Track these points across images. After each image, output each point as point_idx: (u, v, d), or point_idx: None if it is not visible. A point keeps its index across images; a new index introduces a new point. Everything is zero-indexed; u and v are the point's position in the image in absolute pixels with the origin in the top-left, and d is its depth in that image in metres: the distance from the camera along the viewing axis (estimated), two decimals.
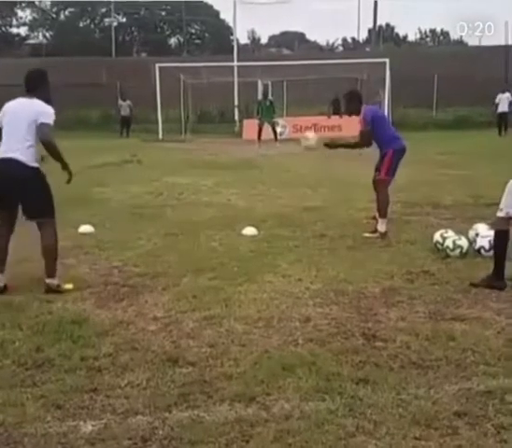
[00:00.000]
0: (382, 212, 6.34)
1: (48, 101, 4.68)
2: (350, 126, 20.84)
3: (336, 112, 21.84)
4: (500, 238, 4.66)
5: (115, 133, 22.78)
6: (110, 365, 3.36)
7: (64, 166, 4.76)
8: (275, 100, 21.59)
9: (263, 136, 20.14)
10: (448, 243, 5.44)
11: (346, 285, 4.72)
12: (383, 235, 6.23)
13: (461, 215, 7.43)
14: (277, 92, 25.00)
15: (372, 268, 5.14)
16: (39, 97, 4.64)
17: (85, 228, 6.72)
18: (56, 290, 4.65)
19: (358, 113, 6.43)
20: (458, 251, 5.39)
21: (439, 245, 5.55)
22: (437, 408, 2.84)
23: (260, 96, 22.47)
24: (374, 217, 6.78)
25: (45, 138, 4.52)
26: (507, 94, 21.83)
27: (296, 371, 3.22)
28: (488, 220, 6.36)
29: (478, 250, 5.42)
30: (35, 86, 4.69)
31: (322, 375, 3.17)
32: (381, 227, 6.29)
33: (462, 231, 5.78)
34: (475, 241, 5.53)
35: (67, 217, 6.81)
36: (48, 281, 4.69)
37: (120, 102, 23.56)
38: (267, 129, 20.69)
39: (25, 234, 4.90)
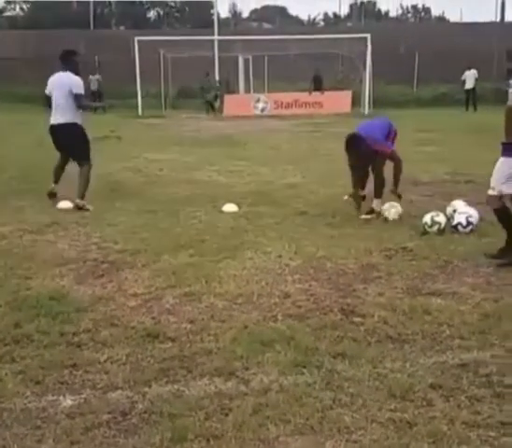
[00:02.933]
0: (379, 191, 6.25)
1: (77, 73, 6.70)
2: (331, 103, 20.89)
3: (317, 88, 21.74)
4: (501, 215, 4.70)
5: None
6: (90, 341, 3.37)
7: (95, 107, 8.04)
8: (255, 75, 21.53)
9: (243, 113, 20.05)
10: (427, 219, 5.49)
11: (325, 261, 4.75)
12: (379, 214, 6.16)
13: (439, 191, 7.49)
14: (258, 67, 24.75)
15: (351, 244, 5.17)
16: (71, 71, 6.67)
17: (64, 203, 6.66)
18: (81, 208, 6.48)
19: (371, 149, 6.10)
20: (436, 227, 5.45)
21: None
22: (413, 381, 2.90)
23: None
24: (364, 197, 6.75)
25: (80, 105, 6.70)
26: (473, 71, 21.96)
27: (275, 346, 3.25)
28: (465, 197, 6.44)
29: (455, 226, 5.48)
30: (65, 63, 6.70)
31: (301, 350, 3.21)
32: (378, 206, 6.19)
33: (440, 208, 5.84)
34: (452, 217, 5.59)
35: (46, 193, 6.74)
36: (77, 201, 6.56)
37: (90, 76, 22.57)
38: (249, 105, 20.59)
39: None
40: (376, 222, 5.99)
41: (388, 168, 6.44)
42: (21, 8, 54.93)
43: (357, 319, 3.64)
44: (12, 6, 54.81)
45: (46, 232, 5.66)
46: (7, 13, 54.57)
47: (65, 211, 6.51)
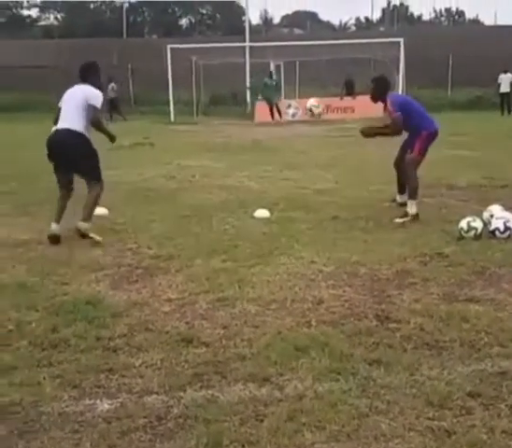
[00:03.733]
0: (413, 194, 6.20)
1: (99, 87, 5.75)
2: (363, 108, 20.77)
3: (349, 93, 21.66)
4: None
5: (127, 114, 22.65)
6: (125, 345, 3.39)
7: (110, 136, 5.89)
8: (287, 81, 21.42)
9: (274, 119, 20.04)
10: (463, 224, 5.40)
11: (359, 267, 4.71)
12: (415, 217, 6.09)
13: (475, 196, 7.37)
14: (290, 73, 24.77)
15: (385, 250, 5.12)
16: (91, 84, 5.67)
17: (99, 210, 6.70)
18: (84, 234, 5.43)
19: (382, 100, 6.30)
20: (472, 233, 5.35)
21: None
22: (451, 388, 2.84)
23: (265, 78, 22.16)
24: (394, 200, 6.73)
25: (94, 119, 5.58)
26: (509, 74, 21.60)
27: (309, 352, 3.22)
28: (501, 202, 6.33)
29: (493, 232, 5.38)
30: (87, 75, 5.73)
31: (335, 356, 3.18)
32: (412, 209, 6.13)
33: (476, 213, 5.75)
34: (489, 222, 5.48)
35: (81, 200, 6.82)
36: (79, 223, 5.43)
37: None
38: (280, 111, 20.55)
39: None
40: (411, 227, 5.92)
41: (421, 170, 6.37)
42: (56, 18, 56.19)
43: (392, 325, 3.59)
44: (47, 15, 56.09)
45: (81, 238, 5.74)
46: (42, 22, 55.87)
47: (100, 217, 6.57)
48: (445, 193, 7.63)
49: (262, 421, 2.64)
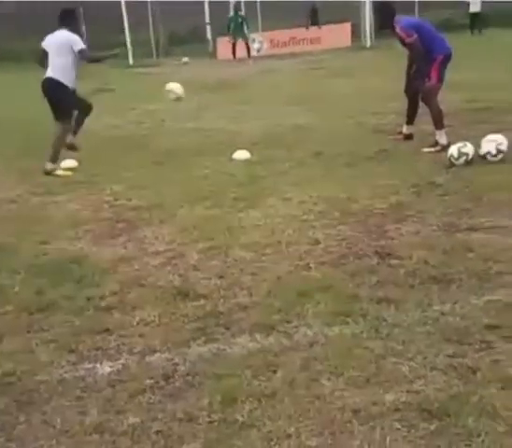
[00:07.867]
0: (439, 123, 5.94)
1: (78, 32, 6.33)
2: (330, 38, 20.07)
3: (315, 23, 20.84)
4: None
5: None
6: (118, 303, 3.21)
7: (108, 56, 6.98)
8: (247, 14, 20.46)
9: (237, 55, 19.28)
10: (453, 151, 5.22)
11: (350, 203, 4.53)
12: (445, 147, 5.73)
13: (459, 120, 7.14)
14: (250, 6, 23.69)
15: (375, 184, 4.94)
16: (70, 29, 6.16)
17: (68, 162, 6.40)
18: (49, 172, 6.05)
19: (392, 27, 5.91)
20: (463, 159, 5.18)
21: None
22: (466, 323, 2.73)
23: (231, 12, 21.10)
24: (400, 133, 6.43)
25: (87, 59, 6.24)
26: None
27: (313, 296, 3.08)
28: (486, 124, 6.14)
29: (484, 156, 5.21)
30: (65, 21, 6.24)
31: (341, 298, 3.04)
32: (442, 139, 5.86)
33: (461, 138, 5.55)
34: (480, 146, 5.29)
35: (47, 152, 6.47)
36: (46, 164, 6.09)
37: None
38: (243, 46, 19.77)
39: None
40: (397, 158, 5.72)
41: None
42: None
43: (395, 262, 3.45)
44: None
45: (54, 194, 5.46)
46: None
47: (70, 170, 6.26)
48: (427, 120, 7.38)
49: (275, 372, 2.51)
